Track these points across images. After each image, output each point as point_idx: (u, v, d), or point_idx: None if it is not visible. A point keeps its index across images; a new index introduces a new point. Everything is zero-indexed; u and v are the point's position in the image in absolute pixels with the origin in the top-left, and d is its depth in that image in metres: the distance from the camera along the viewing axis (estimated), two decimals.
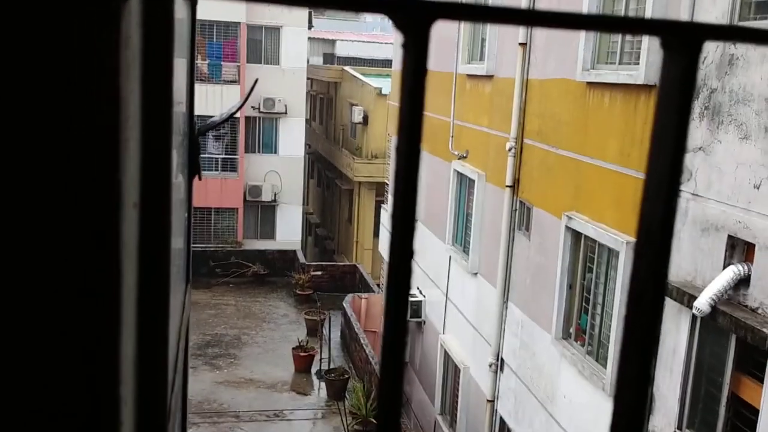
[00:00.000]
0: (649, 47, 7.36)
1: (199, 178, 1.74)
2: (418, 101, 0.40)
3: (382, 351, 0.42)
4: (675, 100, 0.44)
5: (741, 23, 6.30)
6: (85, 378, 0.55)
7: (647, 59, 7.38)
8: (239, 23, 25.38)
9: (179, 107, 1.49)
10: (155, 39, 0.71)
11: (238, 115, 25.25)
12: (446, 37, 13.40)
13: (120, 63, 0.51)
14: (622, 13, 8.15)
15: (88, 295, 0.54)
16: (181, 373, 1.53)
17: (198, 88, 26.92)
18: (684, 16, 6.84)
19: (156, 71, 0.72)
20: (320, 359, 17.51)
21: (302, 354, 17.69)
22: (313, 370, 17.77)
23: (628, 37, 8.09)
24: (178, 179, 1.44)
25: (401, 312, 0.41)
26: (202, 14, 24.31)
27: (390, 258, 0.42)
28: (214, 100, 24.94)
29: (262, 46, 26.30)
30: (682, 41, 0.44)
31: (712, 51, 6.52)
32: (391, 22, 0.39)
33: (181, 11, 1.42)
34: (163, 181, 0.80)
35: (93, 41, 0.49)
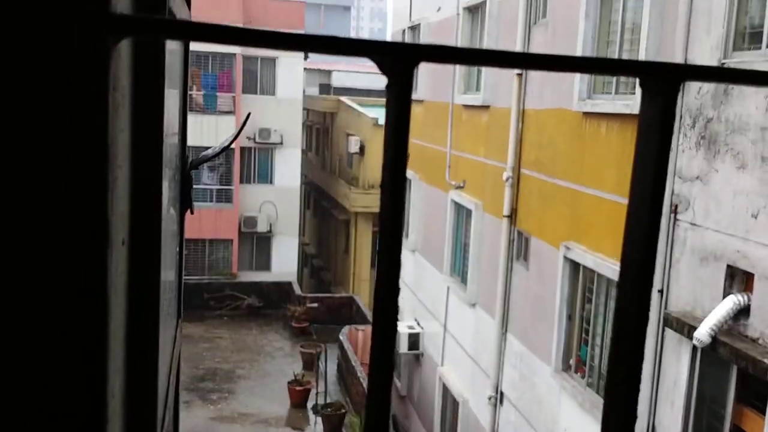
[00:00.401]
0: None
1: (191, 212, 1.70)
2: (402, 140, 0.40)
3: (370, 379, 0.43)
4: (654, 139, 0.45)
5: (735, 53, 6.33)
6: (73, 416, 0.55)
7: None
8: (235, 54, 25.57)
9: (172, 140, 1.46)
10: (145, 80, 0.72)
11: (233, 146, 25.29)
12: (442, 68, 13.49)
13: (108, 104, 0.52)
14: (618, 44, 8.20)
15: (75, 333, 0.53)
16: (171, 409, 1.47)
17: (193, 118, 27.15)
18: (678, 46, 6.88)
19: (146, 111, 0.73)
20: (316, 393, 17.29)
21: (298, 388, 17.47)
22: (309, 404, 17.54)
23: None
24: (169, 213, 1.41)
25: (388, 348, 0.41)
26: (197, 45, 24.52)
27: (376, 293, 0.42)
28: (209, 131, 25.00)
29: (258, 76, 26.47)
30: (660, 82, 0.45)
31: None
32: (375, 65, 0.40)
33: (173, 43, 1.39)
34: (153, 217, 0.79)
35: (82, 83, 0.50)
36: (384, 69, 0.39)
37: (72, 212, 0.51)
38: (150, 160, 0.78)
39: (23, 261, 0.51)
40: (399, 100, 0.39)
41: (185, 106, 1.78)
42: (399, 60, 0.39)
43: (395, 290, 0.41)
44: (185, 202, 1.63)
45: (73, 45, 0.49)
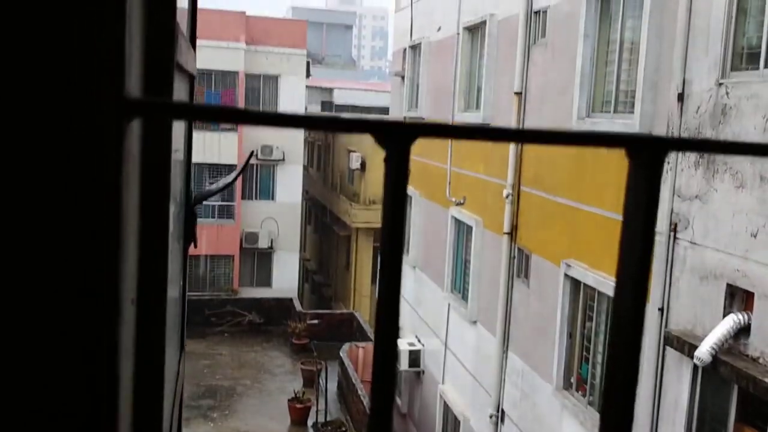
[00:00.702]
0: (643, 96, 7.43)
1: (195, 246, 1.73)
2: (399, 210, 0.43)
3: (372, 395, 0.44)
4: (641, 208, 0.47)
5: (733, 73, 6.38)
6: None
7: (642, 108, 7.45)
8: (237, 72, 25.72)
9: (177, 177, 1.49)
10: (154, 145, 0.74)
11: (235, 162, 25.37)
12: (443, 86, 13.57)
13: (121, 179, 0.55)
14: (616, 63, 8.25)
15: (87, 391, 0.55)
16: None
17: (196, 135, 27.14)
18: (677, 66, 6.93)
19: (154, 173, 0.76)
20: (317, 411, 17.21)
21: (298, 406, 17.40)
22: (310, 422, 17.45)
23: (623, 86, 8.19)
24: (173, 249, 1.43)
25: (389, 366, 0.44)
26: (200, 63, 24.62)
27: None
28: (211, 148, 25.08)
29: (261, 94, 26.60)
30: (646, 153, 0.47)
31: (705, 101, 6.59)
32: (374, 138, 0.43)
33: (178, 91, 1.42)
34: (160, 271, 0.81)
35: (96, 162, 0.53)
36: (382, 144, 0.42)
37: (84, 278, 0.54)
38: (158, 219, 0.82)
39: (39, 328, 0.53)
40: (396, 173, 0.42)
41: (190, 139, 1.81)
42: (397, 137, 0.42)
43: (395, 327, 0.44)
44: (188, 237, 1.66)
45: (89, 127, 0.52)
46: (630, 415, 0.49)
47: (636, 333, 0.49)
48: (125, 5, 0.55)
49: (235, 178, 2.57)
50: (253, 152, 3.59)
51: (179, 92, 1.40)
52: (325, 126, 0.43)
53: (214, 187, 2.54)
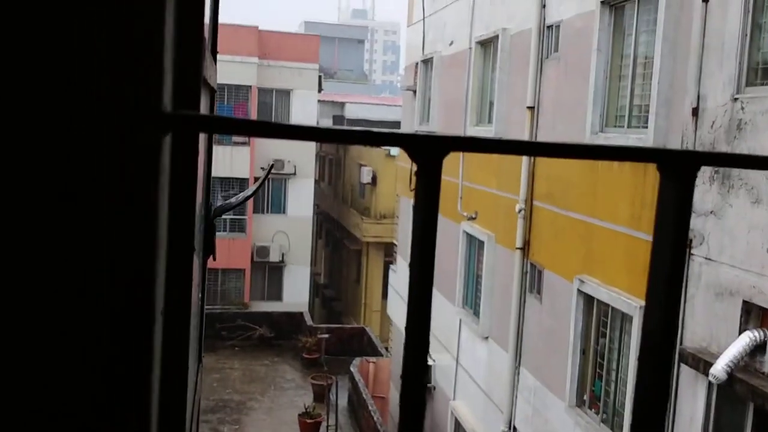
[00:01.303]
0: (657, 111, 7.40)
1: (214, 259, 1.72)
2: (431, 222, 0.43)
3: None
4: (671, 222, 0.47)
5: (748, 88, 6.34)
6: None
7: (656, 123, 7.41)
8: (250, 86, 25.87)
9: (199, 194, 1.49)
10: (182, 167, 0.75)
11: (247, 176, 25.46)
12: (455, 100, 13.58)
13: (158, 191, 0.57)
14: (630, 78, 8.23)
15: (119, 404, 0.56)
16: None
17: None
18: (691, 81, 6.90)
19: (181, 183, 0.76)
20: (327, 426, 17.13)
21: (308, 421, 17.32)
22: None
23: (636, 101, 8.16)
24: (196, 262, 1.42)
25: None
26: None
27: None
28: (224, 162, 25.19)
29: (273, 108, 26.73)
30: (677, 168, 0.47)
31: (720, 116, 6.55)
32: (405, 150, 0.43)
33: (202, 105, 1.43)
34: (186, 284, 0.82)
35: (136, 175, 0.55)
36: (414, 157, 0.42)
37: (121, 287, 0.55)
38: (184, 232, 0.83)
39: (75, 336, 0.54)
40: (429, 186, 0.43)
41: (210, 152, 1.81)
42: (429, 150, 0.43)
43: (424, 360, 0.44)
44: (208, 249, 1.66)
45: (128, 141, 0.53)
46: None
47: (667, 350, 0.48)
48: (164, 19, 0.56)
49: (256, 191, 2.57)
50: (272, 164, 3.61)
51: (203, 106, 1.41)
52: (357, 140, 0.43)
53: (233, 200, 2.55)
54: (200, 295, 1.72)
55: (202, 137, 1.43)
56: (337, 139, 0.42)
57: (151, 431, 0.61)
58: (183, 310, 0.82)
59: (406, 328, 0.45)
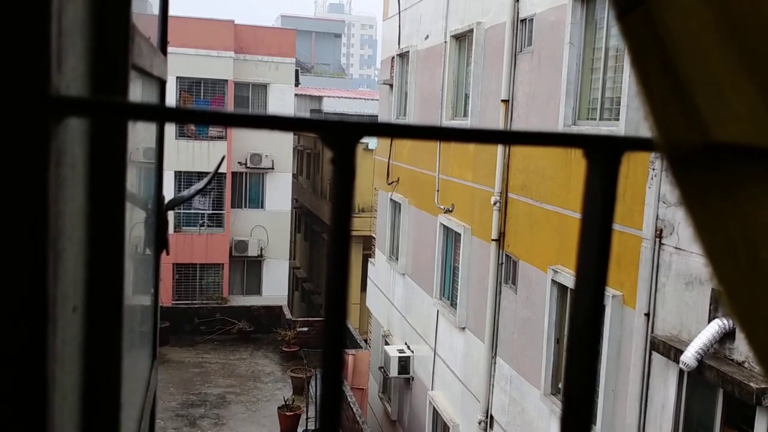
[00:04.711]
0: (628, 103, 7.51)
1: (167, 253, 1.74)
2: (346, 209, 0.43)
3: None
4: (598, 207, 0.47)
5: None
6: None
7: (627, 114, 7.52)
8: (226, 80, 25.71)
9: (147, 182, 1.50)
10: (103, 153, 0.72)
11: (224, 171, 25.35)
12: (431, 93, 13.63)
13: (48, 181, 0.52)
14: (602, 71, 8.33)
15: (14, 403, 0.53)
16: None
17: (185, 144, 26.88)
18: None
19: (105, 174, 0.73)
20: (307, 419, 17.17)
21: (288, 413, 17.35)
22: (300, 430, 17.40)
23: (608, 93, 8.26)
24: (143, 256, 1.44)
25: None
26: (189, 72, 24.70)
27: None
28: (201, 156, 25.04)
29: (249, 102, 26.59)
30: (603, 153, 0.47)
31: None
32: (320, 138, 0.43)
33: (148, 96, 1.44)
34: (114, 276, 0.80)
35: (18, 162, 0.50)
36: (328, 144, 0.42)
37: (8, 292, 0.51)
38: (111, 224, 0.78)
39: None
40: (343, 173, 0.42)
41: (162, 141, 1.82)
42: (341, 136, 0.42)
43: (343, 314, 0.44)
44: (160, 244, 1.67)
45: (8, 128, 0.49)
46: (588, 412, 0.49)
47: (594, 331, 0.48)
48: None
49: (207, 183, 2.59)
50: (224, 157, 3.62)
51: (147, 96, 1.41)
52: (270, 125, 0.43)
53: (185, 193, 2.56)
54: (153, 290, 1.72)
55: (147, 126, 1.43)
56: (249, 124, 0.42)
57: (57, 425, 0.58)
58: (111, 305, 0.80)
59: (324, 324, 0.46)
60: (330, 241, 0.44)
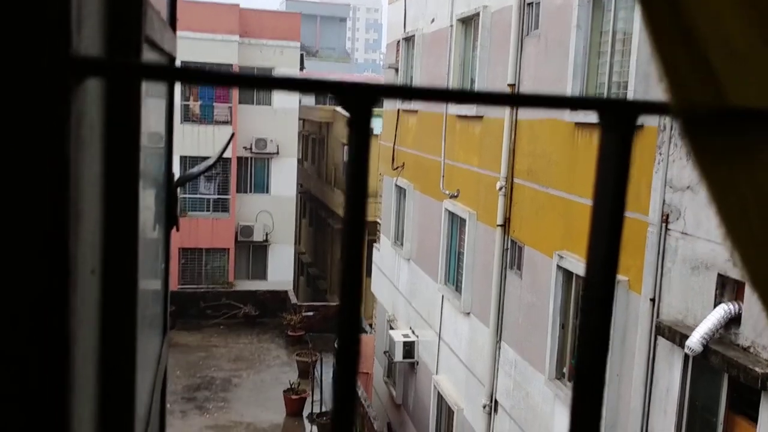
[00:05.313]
0: (635, 87, 7.46)
1: (177, 229, 1.74)
2: (362, 172, 0.43)
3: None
4: (612, 172, 0.47)
5: None
6: None
7: (634, 98, 7.46)
8: (231, 65, 25.64)
9: (156, 157, 1.50)
10: (119, 109, 0.72)
11: (230, 156, 25.35)
12: (436, 77, 13.57)
13: (70, 143, 0.53)
14: (609, 54, 8.27)
15: (37, 363, 0.54)
16: (156, 427, 1.50)
17: (191, 128, 26.85)
18: None
19: (121, 140, 0.74)
20: (312, 402, 17.27)
21: (294, 397, 17.46)
22: (305, 413, 17.52)
23: (615, 77, 8.21)
24: (154, 230, 1.44)
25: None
26: (194, 56, 24.62)
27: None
28: (206, 141, 25.04)
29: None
30: (618, 118, 0.46)
31: None
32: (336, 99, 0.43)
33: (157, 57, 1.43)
34: (129, 247, 0.80)
35: (40, 124, 0.51)
36: (345, 106, 0.42)
37: (31, 250, 0.52)
38: (125, 187, 0.80)
39: None
40: (359, 135, 0.42)
41: (171, 121, 1.82)
42: (358, 98, 0.42)
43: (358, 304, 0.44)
44: (171, 219, 1.67)
45: (33, 88, 0.50)
46: (600, 392, 0.48)
47: (607, 301, 0.48)
48: None
49: (217, 160, 2.59)
50: (233, 134, 3.62)
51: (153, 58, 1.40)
52: (286, 86, 0.43)
53: (195, 169, 2.56)
54: (164, 266, 1.72)
55: (156, 109, 1.43)
56: (264, 85, 0.42)
57: (80, 390, 0.59)
58: (127, 270, 0.81)
59: (339, 311, 0.46)
60: (346, 201, 0.44)
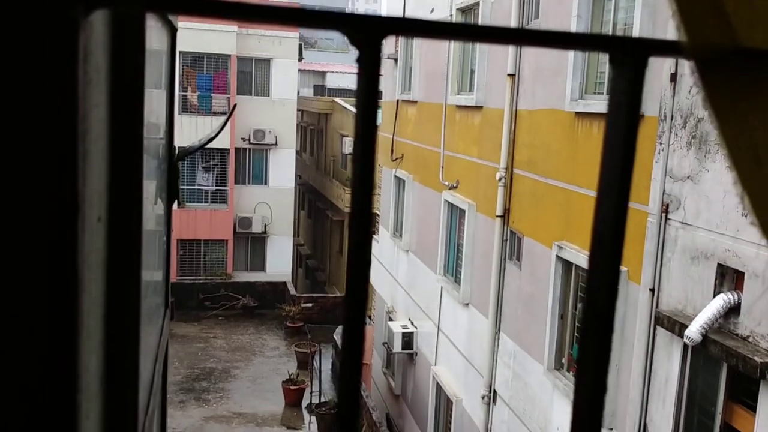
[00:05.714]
0: None
1: (179, 204, 1.73)
2: (372, 111, 0.41)
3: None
4: (623, 114, 0.46)
5: None
6: (42, 389, 0.54)
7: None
8: (229, 55, 25.56)
9: (158, 132, 1.48)
10: (124, 57, 0.71)
11: (228, 146, 25.29)
12: (436, 69, 13.53)
13: (78, 76, 0.52)
14: (611, 24, 8.24)
15: (45, 305, 0.53)
16: (158, 395, 1.49)
17: (188, 119, 26.83)
18: (671, 26, 6.92)
19: (125, 88, 0.73)
20: (311, 393, 17.31)
21: (292, 387, 17.49)
22: (304, 403, 17.55)
23: None
24: (157, 204, 1.43)
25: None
26: (192, 47, 24.55)
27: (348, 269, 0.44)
28: (204, 132, 24.94)
29: (252, 77, 26.46)
30: (629, 56, 0.46)
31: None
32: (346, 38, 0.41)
33: (159, 42, 1.42)
34: (133, 194, 0.80)
35: (48, 55, 0.50)
36: (354, 42, 0.41)
37: (40, 184, 0.52)
38: (130, 137, 0.79)
39: None
40: (368, 72, 0.41)
41: (172, 100, 1.81)
42: (368, 33, 0.41)
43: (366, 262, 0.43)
44: (172, 193, 1.66)
45: (39, 15, 0.50)
46: (603, 381, 0.48)
47: (615, 258, 0.48)
48: None
49: (218, 132, 2.58)
50: (235, 105, 3.61)
51: (160, 41, 1.39)
52: (291, 20, 0.41)
53: (197, 142, 2.55)
54: (166, 239, 1.71)
55: (163, 53, 1.41)
56: (265, 18, 0.40)
57: (88, 328, 0.59)
58: (132, 217, 0.80)
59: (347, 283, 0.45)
60: (355, 141, 0.42)
